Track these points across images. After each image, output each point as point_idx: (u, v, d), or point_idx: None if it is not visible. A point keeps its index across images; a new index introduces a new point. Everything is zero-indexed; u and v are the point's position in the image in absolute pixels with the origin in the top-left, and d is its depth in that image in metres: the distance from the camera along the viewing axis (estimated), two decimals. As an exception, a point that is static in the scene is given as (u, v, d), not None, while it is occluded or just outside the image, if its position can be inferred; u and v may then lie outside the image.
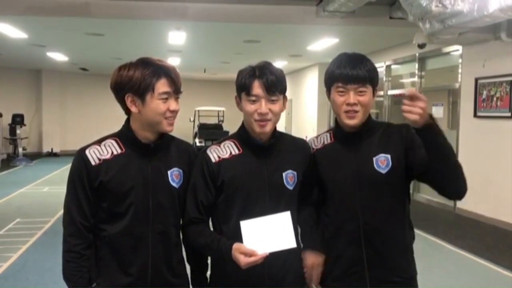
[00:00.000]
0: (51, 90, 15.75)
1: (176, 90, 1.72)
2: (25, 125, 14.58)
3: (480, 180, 6.47)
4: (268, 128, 1.74)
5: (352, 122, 1.77)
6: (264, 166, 1.77)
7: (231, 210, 1.74)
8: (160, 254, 1.75)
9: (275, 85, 1.71)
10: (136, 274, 1.72)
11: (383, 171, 1.77)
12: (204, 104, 16.59)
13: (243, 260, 1.58)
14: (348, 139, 1.83)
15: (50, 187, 9.40)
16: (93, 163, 1.70)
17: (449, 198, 1.84)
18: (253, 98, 1.71)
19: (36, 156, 14.88)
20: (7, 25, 7.76)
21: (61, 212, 1.80)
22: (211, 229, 1.81)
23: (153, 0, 6.44)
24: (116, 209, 1.71)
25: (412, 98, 1.58)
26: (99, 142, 1.76)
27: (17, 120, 14.30)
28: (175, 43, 9.24)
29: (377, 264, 1.78)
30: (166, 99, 1.70)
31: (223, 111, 16.23)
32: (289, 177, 1.78)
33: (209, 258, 1.87)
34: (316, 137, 1.97)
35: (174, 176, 1.78)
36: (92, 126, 15.15)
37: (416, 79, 8.51)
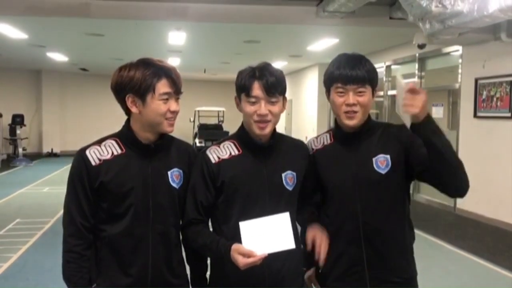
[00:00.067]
0: (51, 91, 15.75)
1: (176, 91, 1.73)
2: (25, 125, 14.59)
3: (480, 181, 6.47)
4: (268, 129, 1.74)
5: (351, 122, 1.77)
6: (264, 167, 1.77)
7: (231, 210, 1.74)
8: (160, 254, 1.75)
9: (275, 86, 1.71)
10: (136, 275, 1.72)
11: (383, 172, 1.77)
12: (204, 104, 16.60)
13: (241, 261, 1.58)
14: (348, 140, 1.83)
15: (50, 187, 9.41)
16: (93, 163, 1.70)
17: (450, 196, 1.84)
18: (253, 100, 1.71)
19: (36, 156, 14.88)
20: (7, 26, 7.76)
21: (61, 212, 1.80)
22: (211, 230, 1.81)
23: (153, 0, 6.45)
24: (116, 210, 1.71)
25: (412, 91, 1.59)
26: (99, 142, 1.76)
27: (17, 120, 14.31)
28: (175, 44, 9.24)
29: (377, 264, 1.78)
30: (167, 99, 1.70)
31: (223, 111, 16.24)
32: (288, 178, 1.78)
33: (208, 258, 1.87)
34: (316, 138, 1.97)
35: (174, 176, 1.78)
36: (92, 126, 15.15)
37: (416, 79, 8.51)
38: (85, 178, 1.70)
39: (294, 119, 14.89)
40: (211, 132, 14.43)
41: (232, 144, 1.80)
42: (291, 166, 1.80)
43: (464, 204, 7.23)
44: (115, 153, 1.74)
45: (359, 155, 1.81)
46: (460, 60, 7.43)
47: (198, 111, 16.28)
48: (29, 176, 10.86)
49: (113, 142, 1.76)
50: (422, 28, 5.42)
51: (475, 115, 7.04)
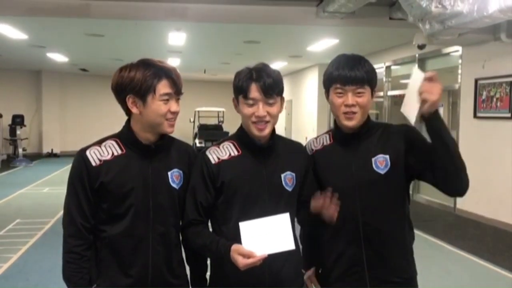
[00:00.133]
0: (51, 91, 15.76)
1: (177, 92, 1.73)
2: (25, 125, 14.59)
3: (480, 181, 6.48)
4: (267, 131, 1.74)
5: (350, 123, 1.77)
6: (263, 168, 1.77)
7: (231, 211, 1.74)
8: (160, 255, 1.75)
9: (273, 88, 1.71)
10: (136, 275, 1.72)
11: (382, 172, 1.78)
12: (204, 104, 16.60)
13: (241, 261, 1.58)
14: (347, 140, 1.84)
15: (50, 187, 9.41)
16: (93, 164, 1.70)
17: (450, 195, 1.83)
18: (251, 102, 1.72)
19: (36, 156, 14.88)
20: (7, 26, 7.76)
21: (61, 213, 1.80)
22: (211, 230, 1.81)
23: (153, 0, 6.45)
24: (116, 210, 1.71)
25: (431, 79, 1.61)
26: (99, 143, 1.77)
27: (17, 120, 14.31)
28: (175, 44, 9.24)
29: (377, 264, 1.79)
30: (167, 100, 1.70)
31: (223, 111, 16.25)
32: (287, 179, 1.78)
33: (208, 259, 1.87)
34: (316, 138, 1.98)
35: (174, 177, 1.78)
36: (92, 126, 15.17)
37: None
38: (85, 179, 1.70)
39: (294, 119, 14.89)
40: (211, 133, 14.44)
41: (231, 145, 1.81)
42: (290, 167, 1.80)
43: (464, 204, 7.23)
44: (115, 153, 1.74)
45: (359, 155, 1.81)
46: (460, 61, 7.43)
47: (198, 111, 16.28)
48: (29, 176, 10.86)
49: (113, 142, 1.76)
50: (422, 29, 5.42)
51: (475, 116, 7.04)
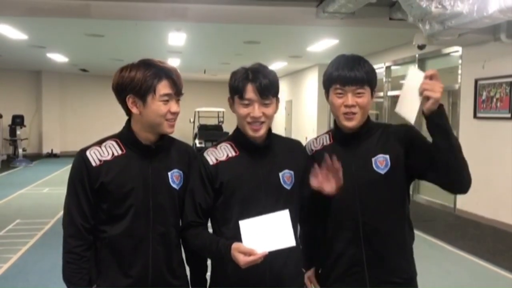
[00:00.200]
0: (51, 91, 15.76)
1: (177, 92, 1.73)
2: (25, 126, 14.59)
3: (480, 181, 6.47)
4: (262, 131, 1.75)
5: (350, 123, 1.78)
6: (260, 167, 1.77)
7: (231, 212, 1.74)
8: (160, 255, 1.75)
9: (268, 88, 1.72)
10: (136, 276, 1.72)
11: (382, 172, 1.78)
12: (204, 105, 16.60)
13: (242, 259, 1.58)
14: (347, 140, 1.84)
15: (50, 188, 9.41)
16: (93, 164, 1.70)
17: (453, 192, 1.83)
18: (246, 102, 1.72)
19: (36, 157, 14.88)
20: (7, 26, 7.76)
21: (61, 213, 1.80)
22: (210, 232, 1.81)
23: (153, 1, 6.45)
24: (116, 210, 1.71)
25: (432, 77, 1.61)
26: (99, 143, 1.77)
27: (17, 121, 14.30)
28: (175, 44, 9.25)
29: (376, 264, 1.79)
30: (167, 101, 1.70)
31: (223, 112, 16.25)
32: (286, 177, 1.78)
33: (209, 259, 1.87)
34: (316, 139, 1.98)
35: (174, 177, 1.78)
36: (92, 127, 15.18)
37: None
38: (85, 179, 1.70)
39: (294, 119, 14.89)
40: (211, 133, 14.43)
41: (229, 146, 1.81)
42: (288, 165, 1.80)
43: (464, 204, 7.23)
44: (116, 153, 1.74)
45: (359, 155, 1.81)
46: (460, 61, 7.43)
47: (198, 111, 16.28)
48: (29, 176, 10.86)
49: (114, 143, 1.76)
50: (422, 29, 5.42)
51: (475, 116, 7.04)
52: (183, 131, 14.36)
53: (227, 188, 1.74)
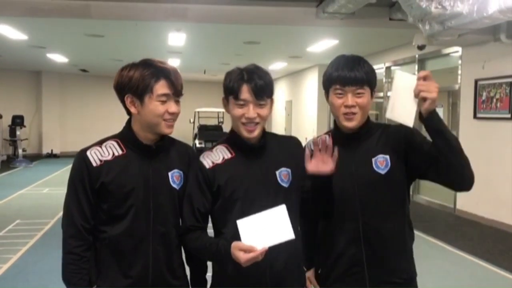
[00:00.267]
0: (51, 92, 15.76)
1: (175, 93, 1.72)
2: (25, 126, 14.59)
3: (480, 182, 6.41)
4: (256, 132, 1.75)
5: (350, 124, 1.78)
6: (257, 167, 1.77)
7: (230, 213, 1.74)
8: (160, 255, 1.75)
9: (264, 89, 1.72)
10: (136, 276, 1.72)
11: (382, 172, 1.78)
12: (204, 105, 16.58)
13: (242, 256, 1.57)
14: (347, 141, 1.84)
15: (50, 188, 9.41)
16: (94, 164, 1.70)
17: (456, 190, 1.83)
18: (241, 103, 1.72)
19: (36, 157, 14.88)
20: (7, 27, 7.76)
21: (61, 213, 1.80)
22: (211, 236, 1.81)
23: (153, 1, 6.45)
24: (116, 211, 1.71)
25: (426, 78, 1.60)
26: (100, 143, 1.77)
27: (17, 121, 14.31)
28: (175, 44, 9.25)
29: (376, 264, 1.79)
30: (165, 101, 1.70)
31: (223, 112, 16.22)
32: (283, 175, 1.78)
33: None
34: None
35: (174, 177, 1.78)
36: (92, 127, 15.18)
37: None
38: (86, 179, 1.70)
39: (294, 120, 14.90)
40: (211, 133, 14.41)
41: (224, 148, 1.81)
42: (285, 163, 1.80)
43: (464, 205, 7.23)
44: (116, 154, 1.74)
45: (359, 155, 1.81)
46: (459, 61, 7.43)
47: (198, 112, 16.28)
48: (29, 177, 10.86)
49: (114, 143, 1.76)
50: (421, 29, 5.43)
51: (474, 116, 7.04)
52: (183, 131, 14.36)
53: (225, 190, 1.74)
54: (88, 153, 1.72)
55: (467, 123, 7.21)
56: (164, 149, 1.79)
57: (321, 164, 1.68)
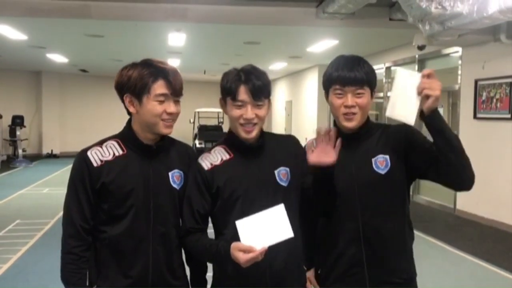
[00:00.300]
0: (51, 92, 15.76)
1: (174, 93, 1.72)
2: (25, 126, 14.59)
3: (480, 182, 6.40)
4: (254, 133, 1.75)
5: (350, 124, 1.78)
6: (256, 167, 1.77)
7: (230, 214, 1.74)
8: (161, 255, 1.75)
9: (261, 90, 1.72)
10: (136, 276, 1.72)
11: (382, 172, 1.78)
12: (204, 105, 16.59)
13: (242, 257, 1.57)
14: (347, 141, 1.83)
15: (50, 188, 9.41)
16: (95, 164, 1.70)
17: (457, 189, 1.83)
18: (239, 103, 1.72)
19: (36, 157, 14.88)
20: (7, 27, 7.76)
21: (61, 213, 1.80)
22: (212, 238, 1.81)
23: (153, 1, 6.45)
24: (117, 211, 1.71)
25: (429, 76, 1.61)
26: (100, 143, 1.77)
27: (17, 121, 14.31)
28: (175, 45, 9.25)
29: (376, 264, 1.78)
30: (163, 101, 1.70)
31: (223, 112, 16.20)
32: (281, 174, 1.78)
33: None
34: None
35: (175, 177, 1.78)
36: (92, 127, 15.18)
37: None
38: (86, 179, 1.70)
39: (294, 120, 14.90)
40: (211, 133, 14.41)
41: (222, 149, 1.81)
42: (283, 162, 1.80)
43: (464, 205, 7.23)
44: (117, 154, 1.74)
45: (359, 156, 1.81)
46: (459, 61, 7.43)
47: (198, 112, 16.28)
48: (29, 177, 10.86)
49: (114, 143, 1.77)
50: (421, 30, 5.43)
51: (474, 117, 7.04)
52: (183, 131, 14.35)
53: (224, 192, 1.75)
54: (88, 153, 1.72)
55: (467, 123, 7.21)
56: (164, 149, 1.80)
57: (323, 155, 1.68)
